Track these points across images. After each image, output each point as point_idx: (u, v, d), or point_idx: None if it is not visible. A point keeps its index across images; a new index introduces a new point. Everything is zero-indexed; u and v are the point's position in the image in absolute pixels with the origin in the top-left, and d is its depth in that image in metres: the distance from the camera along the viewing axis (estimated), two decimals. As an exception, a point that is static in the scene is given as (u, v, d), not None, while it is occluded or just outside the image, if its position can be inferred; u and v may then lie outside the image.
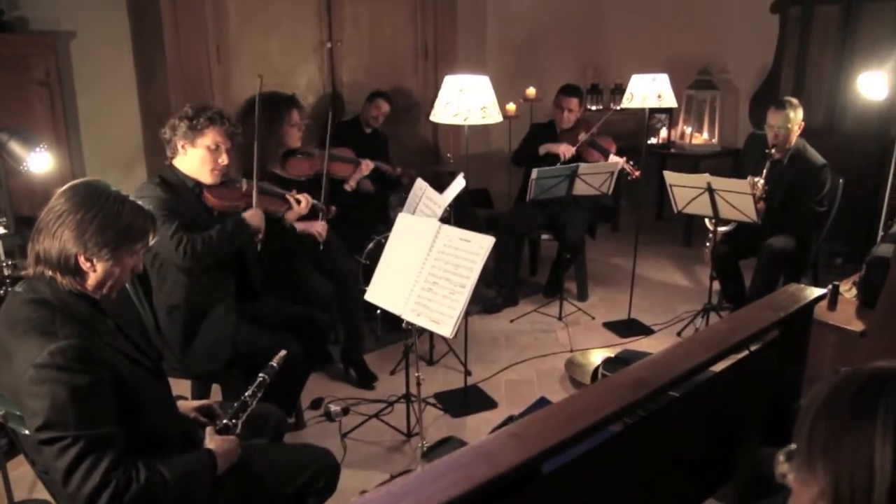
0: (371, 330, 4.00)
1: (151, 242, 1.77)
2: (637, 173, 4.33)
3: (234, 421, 1.93)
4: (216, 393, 2.93)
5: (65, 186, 1.68)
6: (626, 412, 1.65)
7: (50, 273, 1.63)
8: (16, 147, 2.40)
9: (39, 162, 2.44)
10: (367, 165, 3.99)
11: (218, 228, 2.69)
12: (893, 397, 0.88)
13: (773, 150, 3.90)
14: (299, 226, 3.45)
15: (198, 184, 2.74)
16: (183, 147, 2.68)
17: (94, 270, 1.65)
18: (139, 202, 1.71)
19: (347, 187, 3.95)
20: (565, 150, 4.48)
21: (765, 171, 3.85)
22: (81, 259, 1.63)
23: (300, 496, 2.00)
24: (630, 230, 5.65)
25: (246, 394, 1.99)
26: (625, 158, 4.32)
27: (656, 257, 5.60)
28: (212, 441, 1.81)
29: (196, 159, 2.69)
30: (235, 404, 1.98)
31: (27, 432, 1.59)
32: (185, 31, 4.08)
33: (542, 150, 4.58)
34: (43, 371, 1.48)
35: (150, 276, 2.68)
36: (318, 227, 3.49)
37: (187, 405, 2.05)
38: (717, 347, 1.91)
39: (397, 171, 4.32)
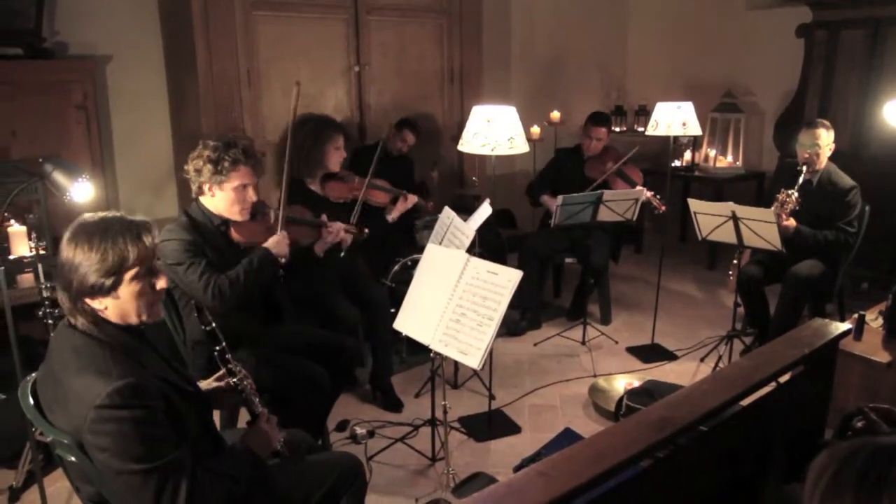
0: (396, 352, 4.05)
1: (152, 242, 1.72)
2: (663, 208, 4.32)
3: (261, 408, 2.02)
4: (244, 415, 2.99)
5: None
6: (652, 451, 1.69)
7: (76, 319, 1.69)
8: (60, 178, 2.48)
9: (82, 192, 2.52)
10: (411, 199, 4.02)
11: (244, 264, 2.65)
12: None
13: (803, 168, 3.91)
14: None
15: (224, 221, 2.73)
16: (210, 190, 2.66)
17: (105, 308, 1.69)
18: (166, 239, 1.71)
19: (389, 218, 4.00)
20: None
21: (797, 184, 3.85)
22: (88, 301, 1.67)
23: (333, 499, 2.05)
24: (653, 252, 5.67)
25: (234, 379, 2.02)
26: (652, 193, 4.31)
27: (680, 280, 5.60)
28: None
29: (225, 201, 2.67)
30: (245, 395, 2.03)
31: (73, 459, 1.66)
32: (217, 56, 4.19)
33: (542, 200, 4.68)
34: (105, 411, 1.55)
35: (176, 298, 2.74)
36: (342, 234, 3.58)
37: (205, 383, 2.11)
38: (741, 385, 1.94)
39: (430, 208, 4.34)
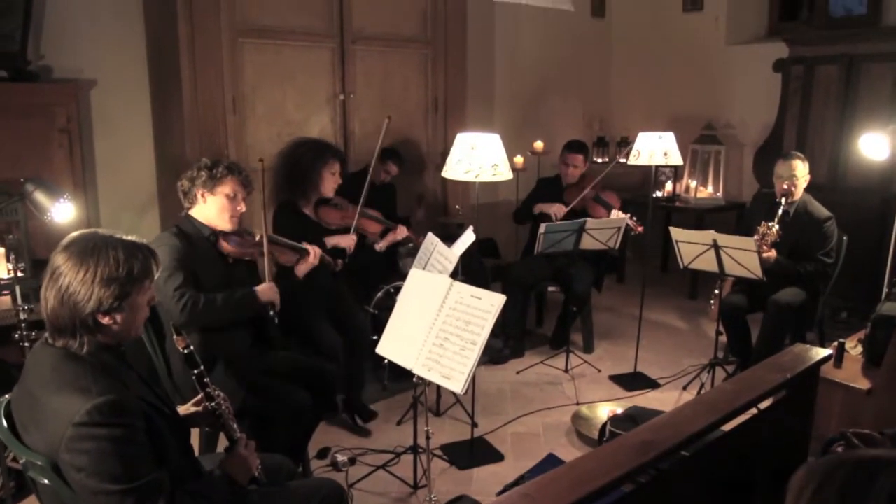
0: (378, 379, 4.03)
1: (157, 274, 1.76)
2: (640, 228, 4.39)
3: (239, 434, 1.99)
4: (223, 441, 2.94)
5: (59, 248, 1.66)
6: (635, 474, 1.68)
7: (74, 340, 1.64)
8: (41, 197, 2.47)
9: (63, 212, 2.50)
10: (402, 231, 4.07)
11: (225, 294, 2.72)
12: (879, 492, 0.89)
13: (783, 200, 3.97)
14: (330, 240, 3.61)
15: (214, 232, 2.83)
16: (203, 196, 2.78)
17: (116, 323, 1.67)
18: (157, 247, 1.77)
19: (378, 247, 4.04)
20: (557, 210, 4.60)
21: (777, 216, 3.90)
22: (100, 317, 1.64)
23: None
24: (635, 281, 5.69)
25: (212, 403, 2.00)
26: (629, 214, 4.37)
27: (662, 309, 5.62)
28: None
29: (216, 207, 2.79)
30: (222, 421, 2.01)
31: (46, 482, 1.62)
32: (202, 82, 4.20)
33: (536, 209, 4.73)
34: (83, 429, 1.51)
35: (163, 322, 2.72)
36: (348, 241, 3.66)
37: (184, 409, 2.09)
38: (723, 410, 1.94)
39: (419, 241, 4.38)
